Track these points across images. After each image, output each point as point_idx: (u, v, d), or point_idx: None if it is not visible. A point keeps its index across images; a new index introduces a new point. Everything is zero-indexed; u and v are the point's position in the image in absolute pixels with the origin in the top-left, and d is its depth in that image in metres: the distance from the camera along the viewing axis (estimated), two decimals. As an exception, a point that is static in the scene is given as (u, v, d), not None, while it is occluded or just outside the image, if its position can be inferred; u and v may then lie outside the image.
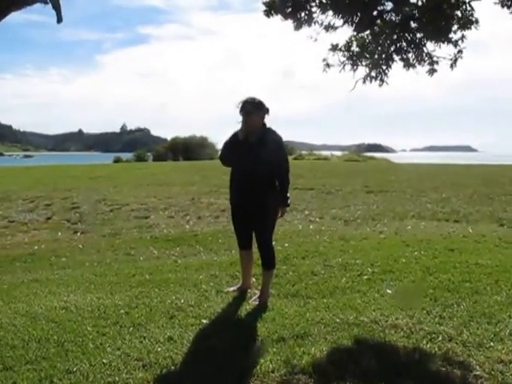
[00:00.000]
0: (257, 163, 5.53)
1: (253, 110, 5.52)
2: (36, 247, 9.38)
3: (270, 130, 5.68)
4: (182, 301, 5.70)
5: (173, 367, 4.11)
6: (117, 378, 3.92)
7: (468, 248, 8.44)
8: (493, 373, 3.99)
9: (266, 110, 5.62)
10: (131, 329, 4.87)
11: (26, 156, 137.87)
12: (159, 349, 4.42)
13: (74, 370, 4.06)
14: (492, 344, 4.46)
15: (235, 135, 5.66)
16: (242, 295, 5.97)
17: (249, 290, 6.12)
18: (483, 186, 19.22)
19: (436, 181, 21.45)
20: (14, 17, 6.10)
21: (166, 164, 37.10)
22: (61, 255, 8.59)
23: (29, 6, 6.05)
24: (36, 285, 6.64)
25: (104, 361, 4.20)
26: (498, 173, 25.81)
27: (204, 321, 5.08)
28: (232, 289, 6.13)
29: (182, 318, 5.17)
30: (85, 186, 18.10)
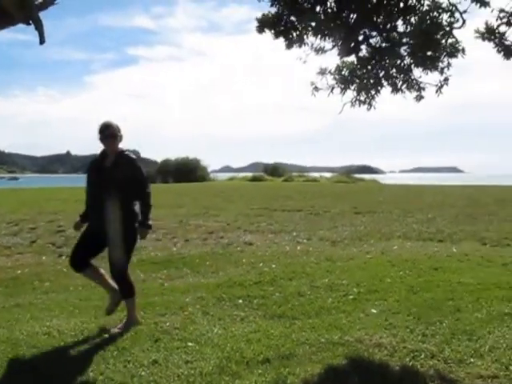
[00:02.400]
0: (111, 187, 5.53)
1: (113, 133, 5.64)
2: (19, 271, 9.29)
3: (125, 153, 5.74)
4: (168, 324, 5.70)
5: (157, 390, 4.11)
6: (100, 403, 3.92)
7: (451, 267, 8.52)
8: (473, 389, 4.04)
9: (121, 137, 5.74)
10: (115, 353, 4.87)
11: (12, 178, 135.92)
12: (143, 373, 4.42)
13: (56, 396, 4.06)
14: (472, 360, 4.53)
15: (94, 161, 5.81)
16: (228, 317, 5.98)
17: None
18: (468, 207, 19.45)
19: (422, 201, 21.64)
20: (-1, 36, 6.19)
21: (155, 186, 37.08)
22: (44, 279, 8.54)
23: (12, 26, 6.13)
24: (18, 310, 6.58)
25: (87, 386, 4.20)
26: (482, 193, 26.11)
27: (190, 344, 5.09)
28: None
29: (168, 341, 5.18)
30: (71, 209, 18.01)
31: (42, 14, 6.07)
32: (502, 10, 5.58)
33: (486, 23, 5.66)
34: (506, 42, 5.73)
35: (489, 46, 5.73)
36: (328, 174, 58.12)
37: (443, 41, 6.15)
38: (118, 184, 5.54)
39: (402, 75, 6.67)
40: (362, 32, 6.34)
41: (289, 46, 6.34)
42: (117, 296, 5.86)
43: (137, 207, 5.76)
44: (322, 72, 6.83)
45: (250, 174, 56.14)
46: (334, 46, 6.34)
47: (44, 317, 6.11)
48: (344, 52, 6.54)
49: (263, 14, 6.25)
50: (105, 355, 4.80)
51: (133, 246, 5.80)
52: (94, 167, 5.80)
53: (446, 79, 6.41)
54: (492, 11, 5.52)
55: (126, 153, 5.77)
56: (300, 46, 6.35)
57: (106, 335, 5.36)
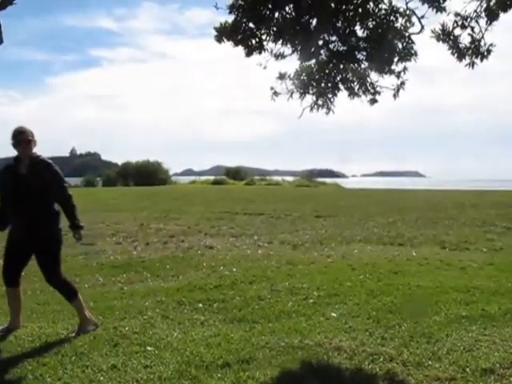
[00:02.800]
0: (30, 193, 5.46)
1: (26, 138, 5.53)
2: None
3: (40, 158, 5.64)
4: (127, 328, 5.63)
5: (115, 396, 4.05)
6: (57, 409, 3.84)
7: (411, 270, 8.66)
8: (430, 391, 4.10)
9: (35, 142, 5.64)
10: (73, 358, 4.78)
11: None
12: (101, 378, 4.35)
13: (12, 402, 3.96)
14: (430, 363, 4.59)
15: (8, 167, 5.67)
16: (188, 321, 5.94)
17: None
18: (428, 211, 19.78)
19: (383, 206, 21.95)
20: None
21: (115, 189, 36.68)
22: (0, 283, 8.33)
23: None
24: (-26, 315, 6.41)
25: (44, 392, 4.11)
26: (442, 197, 26.63)
27: (149, 348, 5.03)
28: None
29: (127, 345, 5.11)
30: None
31: (0, 14, 5.95)
32: (457, 14, 5.73)
33: (442, 25, 5.80)
34: (460, 45, 5.88)
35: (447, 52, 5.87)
36: (290, 178, 58.34)
37: (399, 45, 6.26)
38: (36, 189, 5.45)
39: (358, 79, 6.76)
40: (321, 37, 6.39)
41: (248, 53, 6.35)
42: (13, 324, 5.72)
43: (57, 208, 5.67)
44: (282, 77, 6.87)
45: (211, 178, 55.99)
46: (293, 52, 6.38)
47: (0, 322, 5.96)
48: (304, 57, 6.59)
49: (221, 24, 6.23)
50: (63, 360, 4.71)
51: (59, 248, 5.71)
52: (9, 173, 5.60)
53: (403, 83, 6.53)
54: (448, 15, 5.66)
55: (41, 158, 5.63)
56: (260, 53, 6.36)
57: (64, 340, 5.26)
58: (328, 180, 58.64)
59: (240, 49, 6.29)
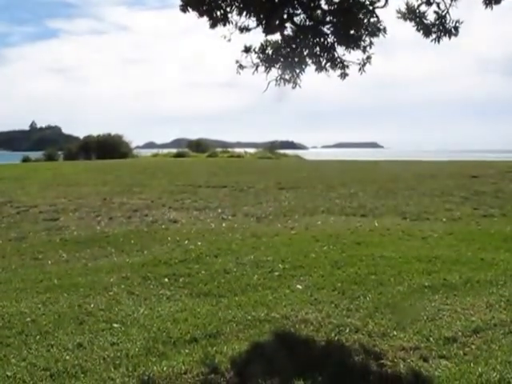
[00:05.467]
0: None
1: None
2: None
3: None
4: (92, 305, 5.59)
5: (82, 375, 4.02)
6: (22, 391, 3.80)
7: (374, 241, 8.79)
8: (395, 360, 4.20)
9: None
10: (38, 337, 4.73)
11: None
12: (68, 357, 4.32)
13: (-24, 384, 3.90)
14: (395, 333, 4.70)
15: None
16: (154, 297, 5.92)
17: None
18: (388, 181, 19.97)
19: (345, 177, 22.10)
20: None
21: (77, 163, 36.06)
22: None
23: None
24: None
25: (8, 373, 4.06)
26: (402, 168, 26.92)
27: (115, 325, 5.01)
28: None
29: (93, 323, 5.08)
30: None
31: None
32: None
33: (407, 3, 5.79)
34: (426, 21, 5.88)
35: (410, 28, 5.87)
36: (252, 150, 58.23)
37: (365, 20, 6.24)
38: None
39: (325, 54, 6.72)
40: (285, 10, 6.32)
41: (213, 25, 6.25)
42: None
43: None
44: (247, 50, 6.78)
45: (174, 150, 55.45)
46: (258, 25, 6.31)
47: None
48: (268, 30, 6.51)
49: None
50: (27, 340, 4.66)
51: None
52: None
53: (369, 57, 6.52)
54: None
55: None
56: (224, 25, 6.27)
57: (28, 319, 5.19)
58: (289, 152, 58.78)
59: (204, 20, 6.18)
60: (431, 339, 4.52)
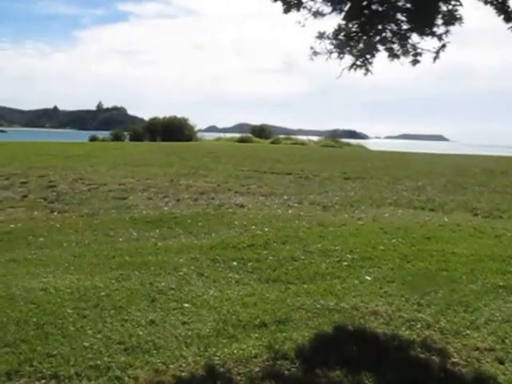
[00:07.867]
0: None
1: None
2: (12, 225, 9.20)
3: None
4: (163, 284, 5.71)
5: (155, 351, 4.12)
6: (99, 362, 3.93)
7: (444, 237, 8.56)
8: (469, 360, 4.11)
9: None
10: (112, 311, 4.88)
11: (0, 131, 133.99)
12: (141, 332, 4.43)
13: (55, 353, 4.06)
14: (468, 332, 4.59)
15: None
16: (223, 279, 5.99)
17: None
18: (456, 176, 19.43)
19: (410, 169, 21.64)
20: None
21: (143, 144, 36.82)
22: (38, 235, 8.44)
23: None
24: (14, 265, 6.55)
25: (85, 344, 4.20)
26: (469, 163, 26.14)
27: (186, 305, 5.10)
28: None
29: (164, 301, 5.19)
30: (61, 165, 17.86)
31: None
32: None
33: None
34: (508, 5, 5.65)
35: (490, 15, 5.65)
36: (315, 138, 57.90)
37: (443, 7, 6.05)
38: None
39: (399, 40, 6.58)
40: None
41: (287, 10, 6.19)
42: None
43: None
44: (320, 36, 6.72)
45: (237, 135, 55.76)
46: (332, 10, 6.23)
47: (40, 272, 6.08)
48: (350, 16, 6.42)
49: None
50: (102, 314, 4.81)
51: None
52: None
53: (444, 45, 6.33)
54: None
55: None
56: (298, 10, 6.22)
57: (102, 293, 5.35)
58: (351, 141, 58.16)
59: (274, 5, 6.14)
60: (507, 341, 4.38)
